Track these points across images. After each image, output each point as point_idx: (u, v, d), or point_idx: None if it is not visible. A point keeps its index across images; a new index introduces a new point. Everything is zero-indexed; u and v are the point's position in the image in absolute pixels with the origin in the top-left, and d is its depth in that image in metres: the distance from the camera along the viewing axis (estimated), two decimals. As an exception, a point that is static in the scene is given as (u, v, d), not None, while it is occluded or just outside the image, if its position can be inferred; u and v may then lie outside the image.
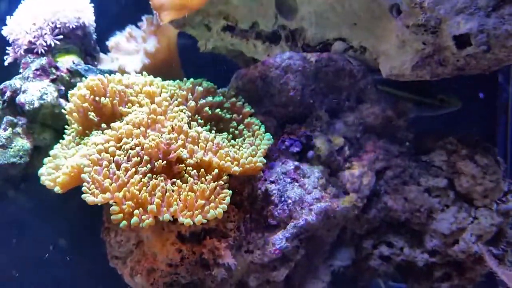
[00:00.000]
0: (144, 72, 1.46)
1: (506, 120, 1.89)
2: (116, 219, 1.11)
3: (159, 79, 1.45)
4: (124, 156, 1.21)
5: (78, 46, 1.66)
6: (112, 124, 1.28)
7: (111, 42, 1.77)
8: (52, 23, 1.59)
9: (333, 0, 1.44)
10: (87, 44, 1.70)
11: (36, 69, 1.47)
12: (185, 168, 1.23)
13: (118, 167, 1.19)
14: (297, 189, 1.38)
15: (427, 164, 1.51)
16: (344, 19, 1.47)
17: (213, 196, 1.18)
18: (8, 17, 1.62)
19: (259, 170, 1.29)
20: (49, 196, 1.26)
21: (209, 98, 1.41)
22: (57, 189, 1.18)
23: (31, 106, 1.41)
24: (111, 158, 1.20)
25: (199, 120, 1.37)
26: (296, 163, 1.42)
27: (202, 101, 1.40)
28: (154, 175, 1.20)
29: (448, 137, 1.51)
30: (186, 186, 1.18)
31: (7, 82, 1.47)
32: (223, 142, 1.31)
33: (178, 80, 1.46)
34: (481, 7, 1.17)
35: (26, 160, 1.41)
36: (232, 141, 1.35)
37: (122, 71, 1.62)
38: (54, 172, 1.23)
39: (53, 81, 1.47)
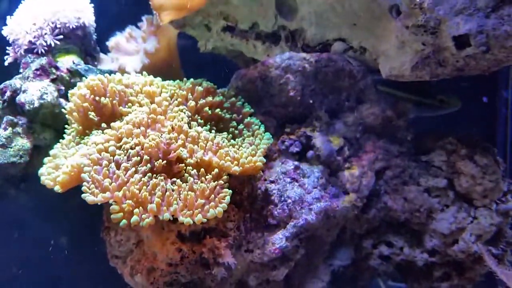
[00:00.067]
0: (144, 72, 1.46)
1: (505, 120, 1.90)
2: (116, 218, 1.11)
3: (159, 79, 1.45)
4: (124, 155, 1.21)
5: (78, 46, 1.66)
6: (112, 124, 1.29)
7: (111, 42, 1.78)
8: (52, 23, 1.59)
9: (333, 1, 1.44)
10: (87, 44, 1.70)
11: (36, 69, 1.47)
12: (185, 167, 1.23)
13: (118, 166, 1.19)
14: (297, 189, 1.38)
15: (427, 164, 1.51)
16: (344, 19, 1.47)
17: (213, 196, 1.18)
18: (8, 17, 1.62)
19: (259, 170, 1.29)
20: (49, 196, 1.26)
21: (209, 98, 1.41)
22: (57, 188, 1.18)
23: (31, 106, 1.41)
24: (111, 157, 1.20)
25: (199, 120, 1.38)
26: (296, 163, 1.43)
27: (202, 101, 1.40)
28: (154, 175, 1.20)
29: (447, 137, 1.51)
30: (186, 185, 1.19)
31: (7, 82, 1.47)
32: (223, 142, 1.31)
33: (178, 80, 1.46)
34: (480, 8, 1.17)
35: (26, 160, 1.41)
36: (232, 140, 1.35)
37: (122, 71, 1.62)
38: (54, 172, 1.23)
39: (53, 81, 1.47)
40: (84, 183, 1.15)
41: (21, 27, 1.58)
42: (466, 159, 1.45)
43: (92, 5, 1.71)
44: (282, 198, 1.36)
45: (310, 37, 1.54)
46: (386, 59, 1.40)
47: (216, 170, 1.22)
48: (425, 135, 1.57)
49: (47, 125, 1.45)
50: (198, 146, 1.26)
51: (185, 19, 1.62)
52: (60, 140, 1.34)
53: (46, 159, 1.27)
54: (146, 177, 1.18)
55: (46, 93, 1.43)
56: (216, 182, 1.20)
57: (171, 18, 1.49)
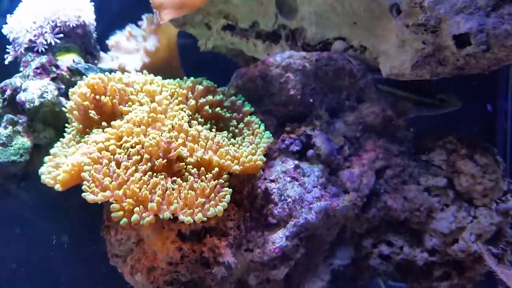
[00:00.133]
0: (145, 71, 1.46)
1: (505, 120, 1.90)
2: (116, 216, 1.11)
3: (159, 77, 1.45)
4: (125, 154, 1.21)
5: (78, 44, 1.67)
6: (112, 123, 1.29)
7: (111, 41, 1.78)
8: (53, 21, 1.59)
9: (333, 0, 1.44)
10: (87, 42, 1.70)
11: (37, 68, 1.47)
12: (185, 166, 1.23)
13: (118, 165, 1.19)
14: (297, 188, 1.38)
15: (427, 163, 1.51)
16: (344, 18, 1.47)
17: (213, 195, 1.18)
18: (8, 15, 1.62)
19: (259, 169, 1.29)
20: (50, 195, 1.26)
21: (209, 97, 1.41)
22: (57, 186, 1.18)
23: (32, 105, 1.41)
24: (112, 156, 1.20)
25: (199, 119, 1.38)
26: (296, 162, 1.43)
27: (202, 100, 1.40)
28: (155, 174, 1.20)
29: (447, 137, 1.51)
30: (187, 184, 1.19)
31: (8, 81, 1.47)
32: (223, 141, 1.31)
33: (178, 79, 1.46)
34: (480, 7, 1.17)
35: (27, 158, 1.41)
36: (232, 139, 1.35)
37: (122, 70, 1.62)
38: (54, 171, 1.23)
39: (53, 79, 1.47)
40: (85, 182, 1.15)
41: (21, 25, 1.59)
42: (466, 159, 1.45)
43: (92, 3, 1.71)
44: (282, 197, 1.36)
45: (310, 36, 1.53)
46: (387, 58, 1.41)
47: (216, 169, 1.22)
48: (425, 134, 1.57)
49: (47, 123, 1.45)
50: (198, 145, 1.26)
51: (185, 18, 1.62)
52: (61, 139, 1.34)
53: (46, 158, 1.27)
54: (147, 176, 1.18)
55: (47, 92, 1.42)
56: (216, 181, 1.20)
57: (171, 17, 1.49)
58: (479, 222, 1.43)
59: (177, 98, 1.39)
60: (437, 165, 1.49)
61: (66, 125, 1.37)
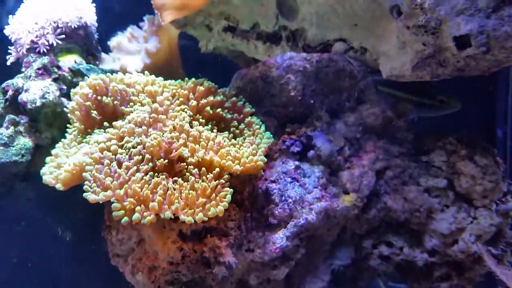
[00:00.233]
0: (146, 72, 1.47)
1: (505, 121, 1.90)
2: (117, 215, 1.11)
3: (160, 78, 1.46)
4: (126, 154, 1.22)
5: (80, 45, 1.67)
6: (114, 123, 1.29)
7: (112, 42, 1.79)
8: (54, 22, 1.60)
9: (333, 1, 1.45)
10: (89, 43, 1.71)
11: (38, 68, 1.47)
12: (186, 166, 1.23)
13: (119, 165, 1.19)
14: (298, 189, 1.39)
15: (427, 164, 1.51)
16: (345, 20, 1.48)
17: (214, 195, 1.18)
18: (10, 16, 1.63)
19: (260, 169, 1.30)
20: (51, 195, 1.26)
21: (210, 98, 1.42)
22: (58, 186, 1.19)
23: (33, 105, 1.41)
24: (113, 156, 1.20)
25: (200, 120, 1.38)
26: (297, 162, 1.43)
27: (203, 101, 1.41)
28: (156, 174, 1.21)
29: (447, 138, 1.51)
30: (188, 184, 1.19)
31: (9, 81, 1.47)
32: (224, 141, 1.32)
33: (179, 80, 1.47)
34: (481, 9, 1.17)
35: (28, 159, 1.42)
36: (233, 140, 1.35)
37: (124, 71, 1.63)
38: (56, 171, 1.23)
39: (55, 80, 1.48)
40: (86, 182, 1.16)
41: (23, 26, 1.59)
42: (466, 160, 1.46)
43: (94, 4, 1.71)
44: (283, 198, 1.37)
45: (311, 38, 1.54)
46: (387, 60, 1.41)
47: (217, 169, 1.22)
48: (425, 135, 1.57)
49: (49, 124, 1.45)
50: (199, 146, 1.26)
51: (186, 19, 1.63)
52: (62, 140, 1.34)
53: (48, 159, 1.28)
54: (148, 176, 1.19)
55: (48, 92, 1.43)
56: (217, 181, 1.21)
57: (173, 18, 1.49)
58: (479, 223, 1.43)
59: (178, 99, 1.39)
60: (437, 166, 1.49)
61: (68, 125, 1.37)
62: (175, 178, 1.21)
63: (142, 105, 1.35)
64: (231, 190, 1.21)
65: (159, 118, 1.30)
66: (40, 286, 1.86)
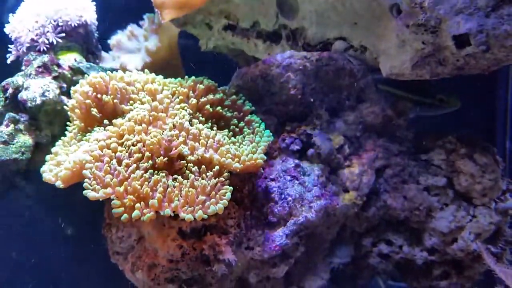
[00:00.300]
0: (146, 70, 1.47)
1: (505, 120, 1.90)
2: (117, 212, 1.12)
3: (161, 76, 1.46)
4: (126, 152, 1.22)
5: (80, 44, 1.67)
6: (114, 121, 1.29)
7: (112, 41, 1.79)
8: (54, 21, 1.60)
9: (333, 0, 1.45)
10: (89, 42, 1.71)
11: (38, 67, 1.47)
12: (186, 164, 1.24)
13: (119, 163, 1.20)
14: (297, 187, 1.39)
15: (427, 163, 1.51)
16: (345, 18, 1.48)
17: (213, 192, 1.19)
18: (10, 14, 1.63)
19: (260, 167, 1.30)
20: (51, 192, 1.26)
21: (210, 96, 1.42)
22: (58, 183, 1.19)
23: (33, 103, 1.41)
24: (113, 154, 1.21)
25: (200, 118, 1.38)
26: (296, 161, 1.43)
27: (203, 99, 1.41)
28: (156, 171, 1.21)
29: (447, 136, 1.52)
30: (187, 182, 1.19)
31: (9, 79, 1.47)
32: (224, 139, 1.32)
33: (179, 78, 1.47)
34: (480, 7, 1.18)
35: (28, 157, 1.42)
36: (233, 138, 1.36)
37: (124, 69, 1.63)
38: (56, 168, 1.23)
39: (55, 78, 1.48)
40: (86, 180, 1.16)
41: (23, 25, 1.59)
42: (465, 158, 1.46)
43: (94, 3, 1.71)
44: (283, 196, 1.37)
45: (311, 36, 1.54)
46: (387, 58, 1.41)
47: (217, 167, 1.23)
48: (425, 134, 1.58)
49: (49, 122, 1.45)
50: (199, 144, 1.26)
51: (186, 18, 1.63)
52: (62, 138, 1.34)
53: (48, 157, 1.28)
54: (148, 173, 1.19)
55: (48, 91, 1.43)
56: (217, 179, 1.21)
57: (173, 16, 1.49)
58: (478, 221, 1.44)
59: (178, 97, 1.40)
60: (437, 165, 1.50)
61: (68, 123, 1.37)
62: (175, 176, 1.21)
63: (142, 103, 1.35)
64: (231, 188, 1.21)
65: (159, 116, 1.30)
66: (40, 284, 1.86)
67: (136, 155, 1.21)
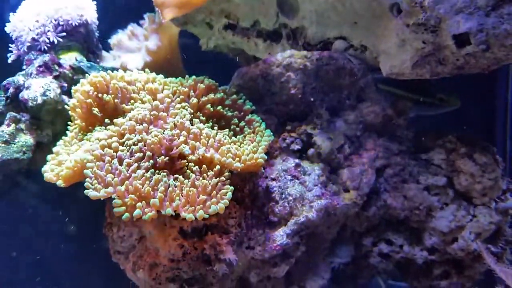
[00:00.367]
0: (147, 69, 1.47)
1: (505, 119, 1.91)
2: (118, 211, 1.12)
3: (161, 76, 1.46)
4: (127, 151, 1.22)
5: (80, 43, 1.67)
6: (115, 120, 1.30)
7: (113, 40, 1.78)
8: (55, 20, 1.60)
9: (334, 0, 1.45)
10: (89, 41, 1.71)
11: (39, 66, 1.47)
12: (187, 164, 1.24)
13: (120, 162, 1.20)
14: (298, 186, 1.39)
15: (427, 162, 1.51)
16: (345, 18, 1.48)
17: (214, 192, 1.19)
18: (11, 14, 1.63)
19: (260, 166, 1.30)
20: (52, 192, 1.26)
21: (211, 95, 1.42)
22: (59, 183, 1.19)
23: (34, 102, 1.42)
24: (114, 153, 1.21)
25: (201, 117, 1.38)
26: (297, 160, 1.43)
27: (204, 98, 1.41)
28: (157, 171, 1.21)
29: (447, 136, 1.52)
30: (188, 181, 1.19)
31: (10, 79, 1.48)
32: (225, 139, 1.32)
33: (180, 78, 1.47)
34: (480, 7, 1.18)
35: (29, 156, 1.42)
36: (233, 138, 1.36)
37: (124, 69, 1.63)
38: (57, 168, 1.24)
39: (56, 77, 1.48)
40: (87, 179, 1.16)
41: (24, 24, 1.59)
42: (465, 158, 1.46)
43: (95, 2, 1.71)
44: (283, 196, 1.37)
45: (311, 35, 1.54)
46: (387, 57, 1.41)
47: (217, 166, 1.23)
48: (425, 133, 1.58)
49: (50, 121, 1.45)
50: (200, 143, 1.26)
51: (187, 17, 1.63)
52: (63, 137, 1.34)
53: (49, 156, 1.28)
54: (149, 173, 1.19)
55: (49, 90, 1.43)
56: (218, 178, 1.21)
57: (173, 16, 1.49)
58: (478, 221, 1.44)
59: (179, 97, 1.40)
60: (437, 164, 1.50)
61: (69, 122, 1.38)
62: (176, 175, 1.22)
63: (143, 102, 1.36)
64: (232, 187, 1.22)
65: (159, 115, 1.30)
66: (41, 283, 1.87)
67: (137, 155, 1.21)
